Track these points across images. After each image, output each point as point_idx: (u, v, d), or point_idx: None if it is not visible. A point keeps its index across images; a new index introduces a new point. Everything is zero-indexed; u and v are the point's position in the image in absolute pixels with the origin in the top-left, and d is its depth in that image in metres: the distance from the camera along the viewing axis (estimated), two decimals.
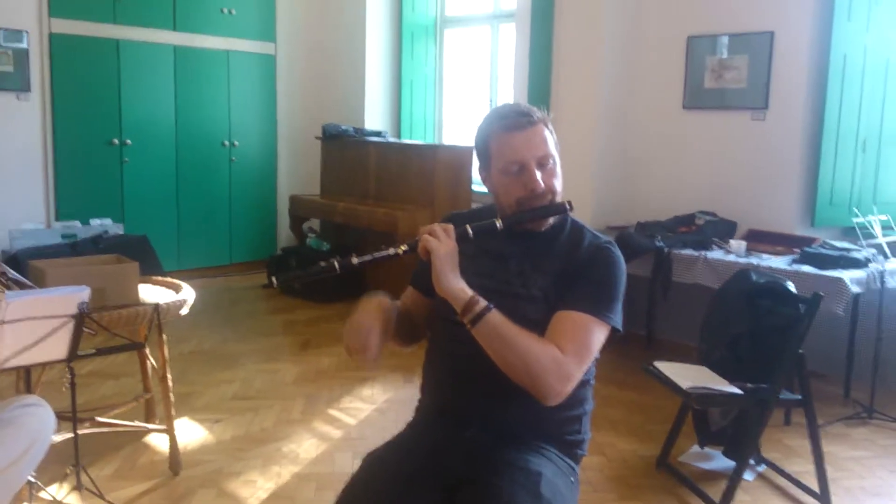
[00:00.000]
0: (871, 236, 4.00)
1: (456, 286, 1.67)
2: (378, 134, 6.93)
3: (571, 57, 5.36)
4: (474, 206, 5.86)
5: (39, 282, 3.00)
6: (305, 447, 3.55)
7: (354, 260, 1.69)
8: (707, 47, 5.05)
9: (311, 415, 3.94)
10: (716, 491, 3.09)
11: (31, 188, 6.01)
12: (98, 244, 5.49)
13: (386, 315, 1.79)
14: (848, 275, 3.85)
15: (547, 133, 1.84)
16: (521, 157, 1.80)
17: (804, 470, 3.31)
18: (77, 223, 5.89)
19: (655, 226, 4.87)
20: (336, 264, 1.68)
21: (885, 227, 4.04)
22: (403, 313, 1.93)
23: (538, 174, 1.80)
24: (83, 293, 2.51)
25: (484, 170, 1.92)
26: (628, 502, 3.11)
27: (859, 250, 4.09)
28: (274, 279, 1.72)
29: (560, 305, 1.76)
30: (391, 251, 1.71)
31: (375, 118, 7.33)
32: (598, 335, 1.75)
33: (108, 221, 6.02)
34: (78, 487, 2.76)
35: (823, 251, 4.11)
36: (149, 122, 6.53)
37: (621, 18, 5.28)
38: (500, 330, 1.65)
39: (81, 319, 2.52)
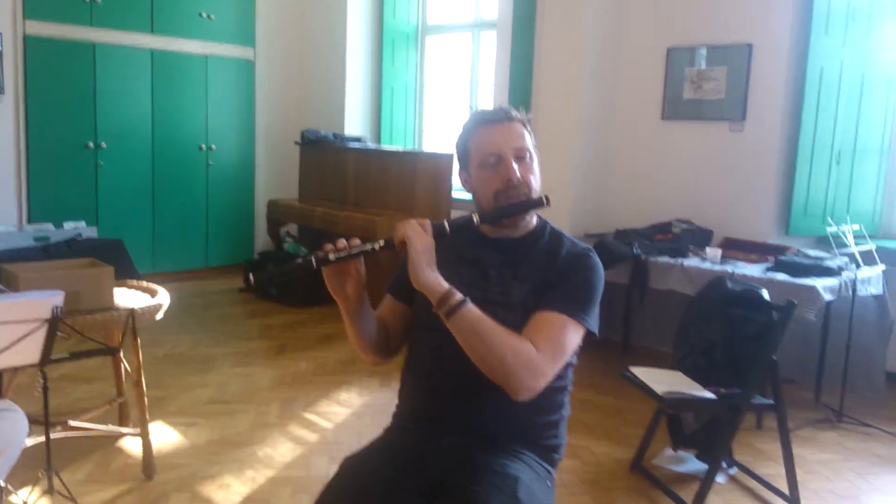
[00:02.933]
0: (844, 245, 4.06)
1: (432, 278, 1.67)
2: (358, 140, 6.92)
3: (552, 66, 5.40)
4: (454, 214, 5.91)
5: (12, 286, 2.97)
6: (281, 451, 3.54)
7: (331, 256, 1.68)
8: (686, 59, 5.11)
9: (286, 419, 3.92)
10: (688, 493, 3.12)
11: (3, 190, 5.94)
12: (71, 247, 5.43)
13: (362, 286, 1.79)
14: (821, 283, 3.91)
15: (525, 131, 1.87)
16: (499, 149, 1.82)
17: (775, 473, 3.35)
18: (50, 226, 5.81)
19: (633, 233, 4.91)
20: (313, 260, 1.67)
21: (858, 237, 4.11)
22: (378, 321, 1.92)
23: (515, 166, 1.81)
24: (57, 297, 2.48)
25: (464, 170, 1.93)
26: None
27: (832, 259, 4.15)
28: (252, 277, 1.71)
29: (538, 307, 1.77)
30: (368, 246, 1.70)
31: (355, 124, 7.33)
32: (573, 336, 1.76)
33: (81, 224, 5.95)
34: (50, 491, 2.73)
35: (797, 260, 4.17)
36: (125, 126, 6.48)
37: (602, 29, 5.32)
38: (475, 323, 1.65)
39: (55, 324, 2.50)
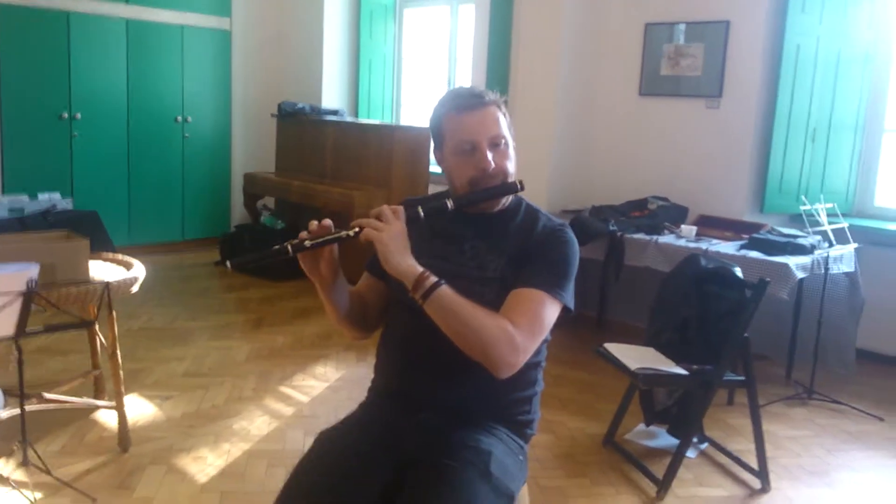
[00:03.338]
0: (818, 224, 4.10)
1: (404, 263, 1.67)
2: (335, 113, 6.88)
3: (530, 40, 5.38)
4: (431, 188, 5.91)
5: None
6: (257, 424, 3.55)
7: (307, 243, 1.69)
8: (664, 35, 5.11)
9: (263, 392, 3.93)
10: (659, 468, 3.18)
11: None
12: (47, 218, 5.39)
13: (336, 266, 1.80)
14: (793, 261, 3.96)
15: (500, 115, 1.85)
16: (473, 137, 1.81)
17: (745, 448, 3.41)
18: (25, 197, 5.76)
19: (609, 210, 4.94)
20: (289, 248, 1.68)
21: (831, 215, 4.16)
22: (356, 297, 1.93)
23: (490, 154, 1.81)
24: (32, 270, 2.47)
25: (438, 150, 1.93)
26: (575, 479, 3.17)
27: (805, 237, 4.20)
28: (228, 263, 1.73)
29: (514, 285, 1.78)
30: (343, 234, 1.70)
31: (333, 97, 7.28)
32: (550, 311, 1.77)
33: (56, 196, 5.90)
34: (24, 463, 2.73)
35: (771, 237, 4.22)
36: (100, 96, 6.40)
37: (581, 3, 5.30)
38: (451, 304, 1.66)
39: (30, 297, 2.49)
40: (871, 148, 4.94)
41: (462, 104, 1.84)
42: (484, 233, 1.88)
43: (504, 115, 1.87)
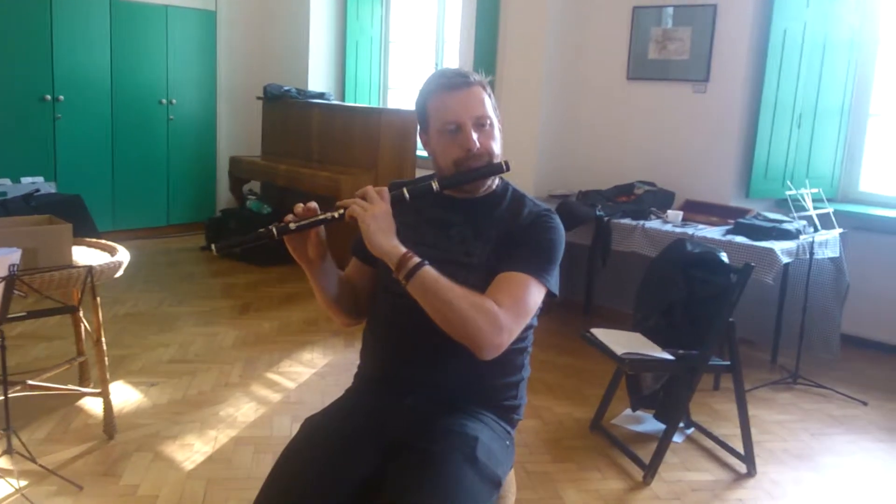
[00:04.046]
0: (803, 209, 4.12)
1: (388, 244, 1.66)
2: (321, 96, 6.83)
3: (517, 23, 5.35)
4: (419, 172, 5.89)
5: None
6: (244, 411, 3.54)
7: (292, 225, 1.68)
8: (652, 18, 5.09)
9: (249, 378, 3.92)
10: (646, 452, 3.19)
11: None
12: (30, 202, 5.33)
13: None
14: (779, 246, 3.97)
15: (485, 96, 1.84)
16: (458, 117, 1.80)
17: (731, 433, 3.43)
18: (7, 181, 5.69)
19: (596, 195, 4.94)
20: (274, 231, 1.67)
21: (817, 200, 4.17)
22: (345, 283, 1.92)
23: (475, 135, 1.80)
24: (14, 255, 2.44)
25: (423, 132, 1.91)
26: (562, 464, 3.19)
27: (791, 222, 4.22)
28: (213, 246, 1.72)
29: (499, 268, 1.78)
30: (328, 215, 1.70)
31: (319, 80, 7.23)
32: (535, 294, 1.77)
33: (39, 180, 5.84)
34: (9, 451, 2.71)
35: (756, 222, 4.23)
36: (83, 78, 6.33)
37: None
38: (434, 284, 1.65)
39: (12, 282, 2.46)
40: (857, 133, 4.95)
41: (446, 83, 1.83)
42: (470, 218, 1.87)
43: (489, 95, 1.86)
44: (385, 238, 1.66)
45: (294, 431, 1.82)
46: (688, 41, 4.94)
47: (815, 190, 4.20)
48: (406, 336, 1.83)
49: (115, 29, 6.46)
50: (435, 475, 1.61)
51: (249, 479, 2.92)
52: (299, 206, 1.72)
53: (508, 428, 1.91)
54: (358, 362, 2.03)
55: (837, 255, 4.36)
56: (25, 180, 5.77)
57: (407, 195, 1.74)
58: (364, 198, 1.69)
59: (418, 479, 1.61)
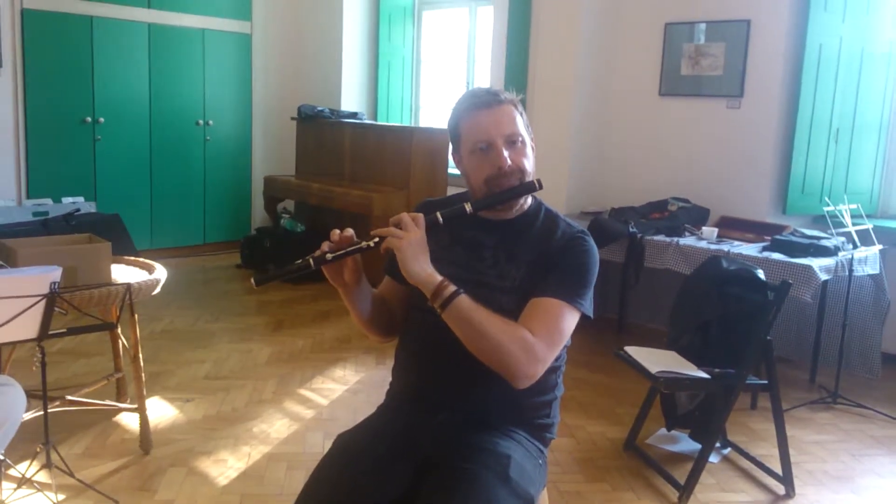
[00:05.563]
0: (841, 225, 4.06)
1: (424, 272, 1.67)
2: (354, 115, 6.90)
3: (549, 41, 5.37)
4: (450, 190, 5.91)
5: (10, 261, 2.97)
6: (277, 427, 3.56)
7: (329, 256, 1.70)
8: (684, 34, 5.08)
9: (282, 395, 3.94)
10: (681, 473, 3.15)
11: (3, 165, 5.91)
12: (70, 222, 5.43)
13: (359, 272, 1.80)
14: (817, 263, 3.91)
15: (517, 114, 1.84)
16: (489, 136, 1.80)
17: (768, 453, 3.37)
18: (49, 201, 5.83)
19: (629, 211, 4.91)
20: (311, 262, 1.70)
21: (855, 216, 4.11)
22: (379, 300, 1.93)
23: (506, 152, 1.80)
24: (55, 273, 2.49)
25: (456, 152, 1.92)
26: (595, 483, 3.15)
27: (829, 238, 4.15)
28: (253, 280, 1.76)
29: (533, 293, 1.77)
30: (363, 244, 1.71)
31: (352, 100, 7.30)
32: (569, 320, 1.76)
33: (80, 199, 5.96)
34: (48, 465, 2.75)
35: (793, 239, 4.17)
36: (122, 101, 6.46)
37: (599, 3, 5.28)
38: (469, 314, 1.65)
39: (53, 299, 2.51)
40: None
41: (478, 102, 1.83)
42: (504, 239, 1.87)
43: (521, 114, 1.86)
44: (421, 266, 1.67)
45: (326, 448, 1.82)
46: (721, 57, 4.91)
47: (853, 206, 4.13)
48: (439, 354, 1.83)
49: (154, 53, 6.59)
50: (467, 493, 1.61)
51: (282, 495, 2.93)
52: (335, 233, 1.73)
53: (541, 447, 1.90)
54: (389, 379, 2.03)
55: (877, 271, 4.28)
56: (66, 200, 5.89)
57: (441, 220, 1.75)
58: (399, 225, 1.70)
59: (451, 497, 1.60)
